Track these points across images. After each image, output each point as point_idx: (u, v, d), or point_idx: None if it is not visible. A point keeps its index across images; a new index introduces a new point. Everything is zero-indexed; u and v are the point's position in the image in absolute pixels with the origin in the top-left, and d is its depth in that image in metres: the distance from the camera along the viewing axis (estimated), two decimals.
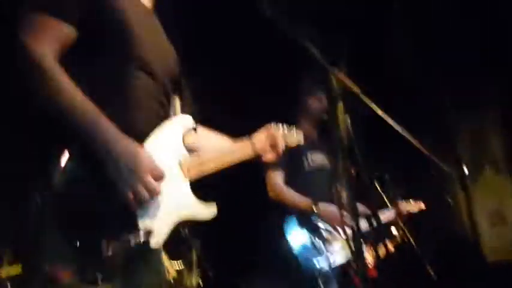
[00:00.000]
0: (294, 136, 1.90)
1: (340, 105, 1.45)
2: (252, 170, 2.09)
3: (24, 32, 1.28)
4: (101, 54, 1.38)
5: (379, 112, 1.60)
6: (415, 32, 4.64)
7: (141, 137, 1.35)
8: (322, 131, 3.14)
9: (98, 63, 1.37)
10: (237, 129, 1.82)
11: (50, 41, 1.29)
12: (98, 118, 1.26)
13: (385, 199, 3.20)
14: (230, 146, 1.71)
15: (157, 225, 1.31)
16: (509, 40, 4.44)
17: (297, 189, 2.85)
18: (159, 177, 1.29)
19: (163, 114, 1.49)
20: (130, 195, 1.23)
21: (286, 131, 1.85)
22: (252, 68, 3.96)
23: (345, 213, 1.54)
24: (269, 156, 1.73)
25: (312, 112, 3.07)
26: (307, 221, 2.78)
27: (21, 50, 1.26)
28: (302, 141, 1.93)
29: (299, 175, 2.89)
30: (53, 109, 1.25)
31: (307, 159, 2.94)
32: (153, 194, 1.27)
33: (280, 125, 1.83)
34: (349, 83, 1.49)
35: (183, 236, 3.31)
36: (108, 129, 1.26)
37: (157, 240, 1.30)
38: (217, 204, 1.46)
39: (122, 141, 1.26)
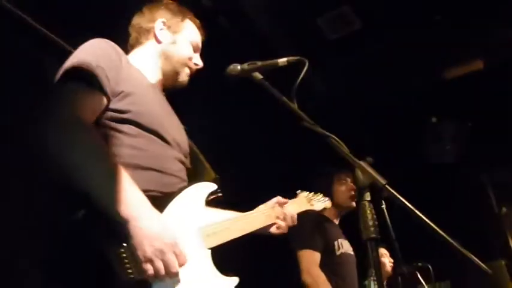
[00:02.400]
0: (321, 200, 2.01)
1: (367, 196, 1.48)
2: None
3: (64, 101, 1.31)
4: (124, 122, 1.44)
5: (409, 206, 1.58)
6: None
7: (163, 198, 1.36)
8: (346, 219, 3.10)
9: (120, 130, 1.42)
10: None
11: (90, 110, 1.34)
12: (132, 188, 1.24)
13: None
14: (247, 215, 1.73)
15: None
16: None
17: (329, 272, 2.77)
18: (182, 262, 1.25)
19: (184, 178, 1.52)
20: (150, 269, 1.19)
21: (311, 195, 1.95)
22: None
23: None
24: (281, 228, 1.79)
25: (338, 199, 3.05)
26: None
27: (62, 117, 1.27)
28: (329, 205, 2.05)
29: (331, 258, 2.82)
30: (85, 173, 1.24)
31: (338, 244, 2.89)
32: (171, 275, 1.22)
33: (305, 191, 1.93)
34: (375, 174, 1.51)
35: None
36: (139, 200, 1.24)
37: None
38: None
39: (152, 216, 1.24)
